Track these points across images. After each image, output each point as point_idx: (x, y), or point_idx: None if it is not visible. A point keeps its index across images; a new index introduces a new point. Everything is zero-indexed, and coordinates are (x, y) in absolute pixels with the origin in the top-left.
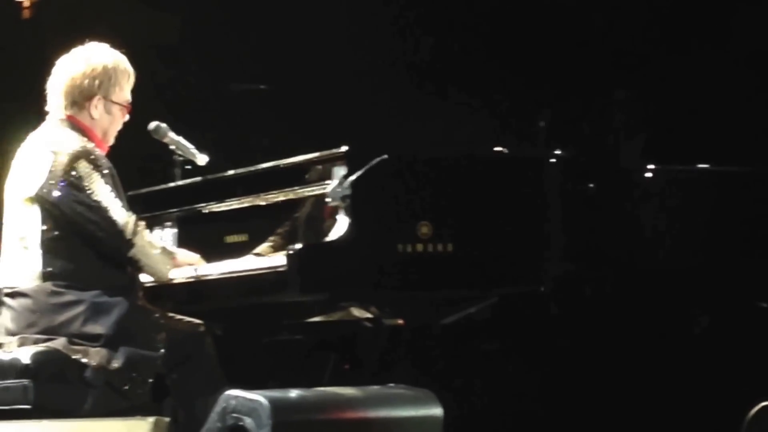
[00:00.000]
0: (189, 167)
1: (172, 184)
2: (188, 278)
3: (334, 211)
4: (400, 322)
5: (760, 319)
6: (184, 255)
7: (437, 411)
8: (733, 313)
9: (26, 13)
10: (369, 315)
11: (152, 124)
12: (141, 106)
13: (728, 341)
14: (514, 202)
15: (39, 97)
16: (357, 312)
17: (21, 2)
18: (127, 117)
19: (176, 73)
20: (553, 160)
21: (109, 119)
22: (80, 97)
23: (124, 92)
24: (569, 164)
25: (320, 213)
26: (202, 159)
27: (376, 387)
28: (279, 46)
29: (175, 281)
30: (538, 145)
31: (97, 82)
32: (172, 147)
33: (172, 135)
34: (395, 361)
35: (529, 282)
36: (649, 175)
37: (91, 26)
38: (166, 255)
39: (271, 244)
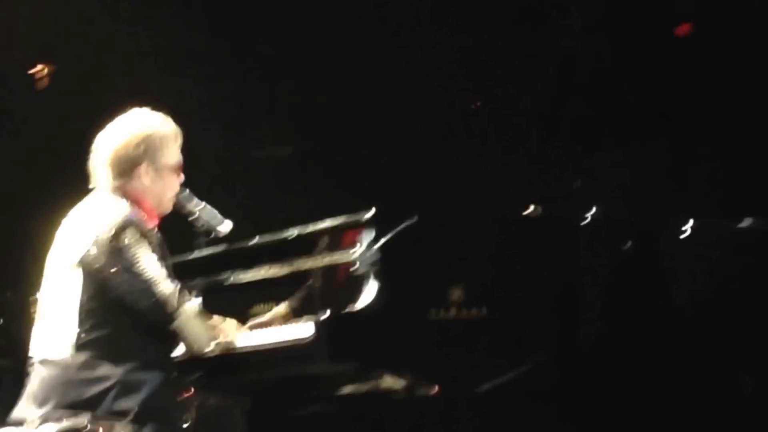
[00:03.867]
0: (213, 236)
1: (196, 253)
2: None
3: (360, 277)
4: (434, 392)
5: None
6: (223, 323)
7: None
8: None
9: (41, 84)
10: (403, 384)
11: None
12: None
13: None
14: (547, 263)
15: (82, 168)
16: (389, 382)
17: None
18: (182, 177)
19: (198, 139)
20: (587, 219)
21: (162, 184)
22: (127, 167)
23: (172, 154)
24: (603, 223)
25: (344, 280)
26: (225, 226)
27: None
28: (302, 110)
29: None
30: (573, 204)
31: (142, 148)
32: (195, 215)
33: (195, 202)
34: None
35: (566, 345)
36: (686, 232)
37: (111, 92)
38: (206, 326)
39: (290, 306)
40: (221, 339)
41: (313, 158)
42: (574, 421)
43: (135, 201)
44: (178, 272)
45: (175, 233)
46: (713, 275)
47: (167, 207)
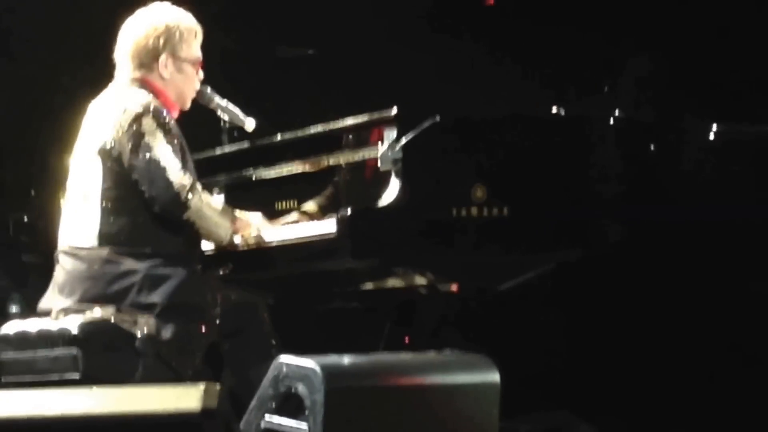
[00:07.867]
0: (236, 133)
1: (219, 150)
2: (240, 246)
3: (385, 174)
4: (455, 288)
5: None
6: (248, 217)
7: (494, 377)
8: None
9: None
10: (423, 281)
11: (199, 89)
12: None
13: None
14: (570, 164)
15: (109, 59)
16: (411, 278)
17: None
18: (201, 75)
19: (224, 38)
20: (612, 120)
21: (182, 78)
22: (147, 58)
23: (192, 49)
24: (628, 125)
25: (370, 177)
26: (249, 124)
27: (431, 353)
28: (326, 9)
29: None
30: (601, 106)
31: (162, 40)
32: (219, 112)
33: (218, 100)
34: (451, 328)
35: (587, 246)
36: (711, 136)
37: None
38: (225, 218)
39: (318, 203)
40: (254, 232)
41: (336, 58)
42: (592, 320)
43: (155, 92)
44: (203, 168)
45: (200, 130)
46: (735, 181)
47: (186, 102)
